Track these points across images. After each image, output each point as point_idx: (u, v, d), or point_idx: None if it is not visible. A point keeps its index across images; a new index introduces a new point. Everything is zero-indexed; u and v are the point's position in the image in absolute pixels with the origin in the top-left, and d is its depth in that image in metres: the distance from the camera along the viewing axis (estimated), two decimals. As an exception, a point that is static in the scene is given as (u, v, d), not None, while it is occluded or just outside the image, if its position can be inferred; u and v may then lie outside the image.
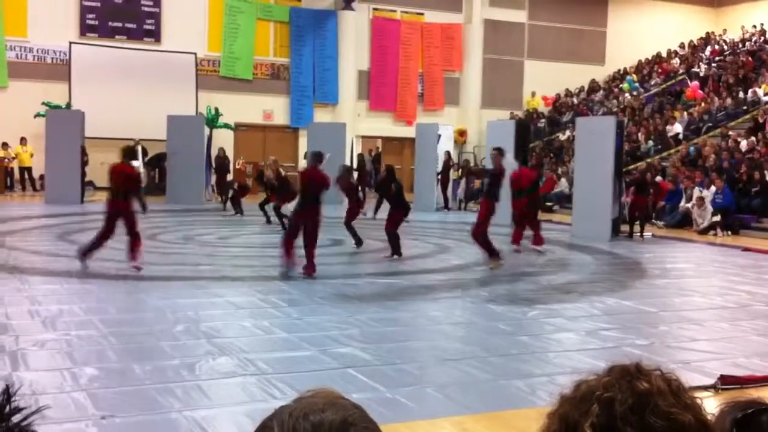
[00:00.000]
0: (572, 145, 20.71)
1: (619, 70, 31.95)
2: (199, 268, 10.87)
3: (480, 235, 11.37)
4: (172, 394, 5.25)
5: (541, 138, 28.42)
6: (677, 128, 23.97)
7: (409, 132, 26.83)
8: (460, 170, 24.07)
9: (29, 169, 23.65)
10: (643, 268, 12.23)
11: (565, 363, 6.38)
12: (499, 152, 11.84)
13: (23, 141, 23.36)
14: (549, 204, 21.96)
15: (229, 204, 19.09)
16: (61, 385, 5.36)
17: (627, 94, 29.06)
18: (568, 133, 26.80)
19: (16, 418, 0.68)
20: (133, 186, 10.37)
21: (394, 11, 29.54)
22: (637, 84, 29.80)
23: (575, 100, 30.75)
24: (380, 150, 29.59)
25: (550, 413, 1.12)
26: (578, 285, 10.37)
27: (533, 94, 31.29)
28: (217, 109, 25.35)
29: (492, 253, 11.34)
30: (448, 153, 23.07)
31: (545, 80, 30.83)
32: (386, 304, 8.72)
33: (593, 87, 31.37)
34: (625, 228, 16.40)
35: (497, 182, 11.61)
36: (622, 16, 32.46)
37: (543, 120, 30.01)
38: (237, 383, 5.62)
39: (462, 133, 29.14)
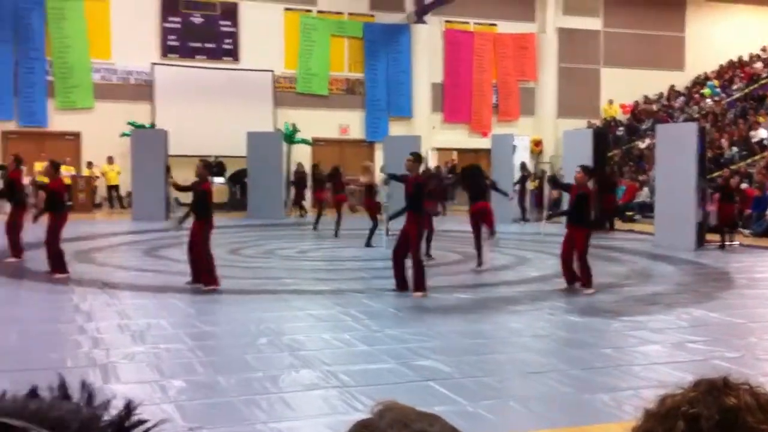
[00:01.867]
0: (653, 153, 20.29)
1: (700, 76, 31.17)
2: (281, 281, 11.05)
3: None
4: (257, 406, 5.35)
5: (620, 146, 27.93)
6: (762, 134, 23.22)
7: (484, 143, 26.72)
8: (537, 181, 23.85)
9: (116, 187, 24.45)
10: (731, 278, 11.88)
11: (651, 376, 6.25)
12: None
13: (110, 160, 24.17)
14: (630, 213, 21.56)
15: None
16: (151, 397, 5.51)
17: (708, 100, 28.33)
18: (647, 140, 26.27)
19: (137, 431, 0.74)
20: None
21: (467, 23, 29.52)
22: (718, 89, 29.01)
23: (655, 107, 30.13)
24: (456, 162, 29.54)
25: (634, 428, 1.11)
26: (663, 296, 10.14)
27: (610, 102, 30.79)
28: (294, 125, 25.77)
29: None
30: (524, 164, 22.88)
31: (623, 88, 30.30)
32: (466, 316, 8.71)
33: (673, 93, 30.68)
34: (712, 237, 15.92)
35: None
36: (700, 20, 31.67)
37: (621, 128, 29.49)
38: (319, 395, 5.70)
39: (538, 143, 28.86)
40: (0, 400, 0.69)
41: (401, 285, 10.02)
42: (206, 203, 10.15)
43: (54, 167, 11.52)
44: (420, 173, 10.34)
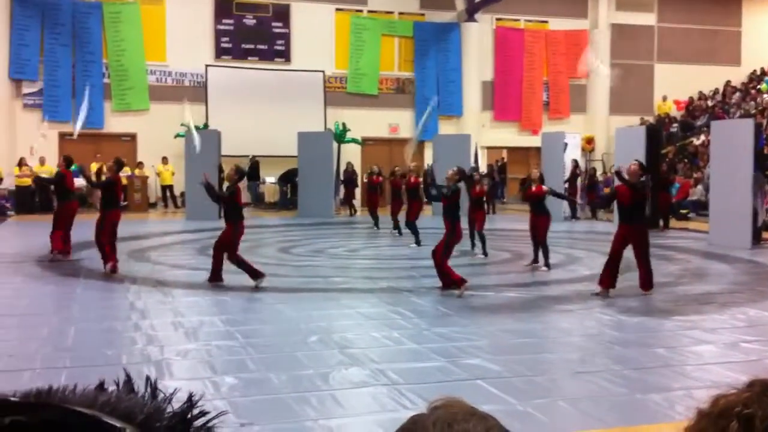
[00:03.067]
0: (707, 150, 19.91)
1: (756, 71, 30.47)
2: (330, 280, 11.14)
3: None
4: (308, 403, 5.41)
5: (674, 143, 27.47)
6: (823, 129, 22.62)
7: (534, 141, 26.52)
8: (588, 179, 23.60)
9: (171, 187, 24.84)
10: (788, 277, 11.62)
11: (704, 376, 6.15)
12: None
13: (165, 160, 24.57)
14: (684, 211, 21.21)
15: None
16: (203, 394, 5.59)
17: (765, 95, 27.68)
18: (702, 137, 25.79)
19: (199, 422, 0.77)
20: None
21: (518, 20, 29.33)
22: (776, 84, 28.33)
23: (710, 103, 29.56)
24: (505, 160, 29.41)
25: (686, 429, 1.11)
26: (717, 295, 9.96)
27: (664, 99, 30.30)
28: (344, 125, 25.90)
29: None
30: (575, 161, 22.65)
31: (677, 83, 29.79)
32: (516, 315, 8.66)
33: (729, 89, 30.05)
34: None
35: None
36: (757, 13, 30.96)
37: (675, 125, 29.00)
38: (369, 393, 5.73)
39: (590, 141, 28.54)
40: (72, 393, 0.73)
41: (444, 282, 10.05)
42: (235, 206, 10.28)
43: (117, 164, 11.87)
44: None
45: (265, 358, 6.64)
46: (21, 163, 22.64)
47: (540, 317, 8.65)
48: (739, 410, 1.03)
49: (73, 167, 13.43)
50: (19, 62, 24.31)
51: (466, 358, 6.69)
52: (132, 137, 25.57)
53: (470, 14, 28.00)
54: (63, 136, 24.94)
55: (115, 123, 25.37)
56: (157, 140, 24.57)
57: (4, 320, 8.23)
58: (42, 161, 22.91)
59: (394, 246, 15.50)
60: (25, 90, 24.60)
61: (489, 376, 6.10)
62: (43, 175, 18.61)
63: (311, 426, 4.99)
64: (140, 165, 24.45)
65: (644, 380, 6.07)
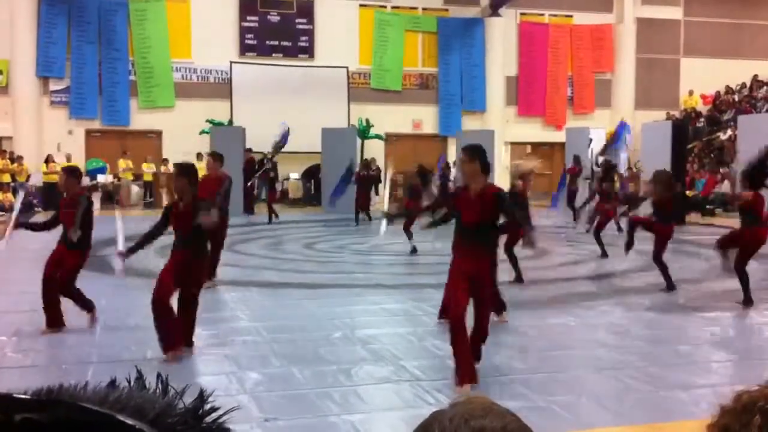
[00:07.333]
0: (734, 145, 19.69)
1: (785, 64, 30.11)
2: (354, 275, 11.16)
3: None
4: (331, 399, 5.43)
5: (700, 138, 27.20)
6: None
7: (559, 137, 26.39)
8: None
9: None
10: (817, 273, 11.47)
11: (730, 373, 6.10)
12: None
13: (199, 157, 24.61)
14: (710, 207, 21.00)
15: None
16: (228, 389, 5.65)
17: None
18: (729, 132, 25.52)
19: (210, 418, 0.78)
20: None
21: (542, 15, 29.18)
22: (806, 78, 27.96)
23: (737, 98, 29.23)
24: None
25: (710, 425, 1.10)
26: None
27: (691, 93, 30.02)
28: (368, 121, 25.91)
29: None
30: (576, 157, 22.44)
31: (703, 78, 29.50)
32: (540, 311, 8.63)
33: (756, 83, 29.69)
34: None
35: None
36: (787, 6, 30.56)
37: (702, 119, 28.72)
38: (392, 389, 5.74)
39: (615, 136, 28.34)
40: (82, 390, 0.74)
41: None
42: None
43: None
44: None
45: (288, 354, 6.67)
46: (48, 160, 22.89)
47: (565, 313, 8.60)
48: (762, 405, 1.03)
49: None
50: (46, 60, 24.57)
51: (490, 354, 6.67)
52: (157, 134, 25.76)
53: (494, 9, 27.90)
54: (89, 133, 25.20)
55: (140, 120, 25.58)
56: (183, 137, 24.73)
57: (33, 316, 8.32)
58: (68, 158, 23.14)
59: (417, 243, 15.47)
60: (52, 87, 24.87)
61: (512, 373, 6.09)
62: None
63: (334, 421, 5.01)
64: (165, 162, 24.60)
65: (669, 377, 6.03)
